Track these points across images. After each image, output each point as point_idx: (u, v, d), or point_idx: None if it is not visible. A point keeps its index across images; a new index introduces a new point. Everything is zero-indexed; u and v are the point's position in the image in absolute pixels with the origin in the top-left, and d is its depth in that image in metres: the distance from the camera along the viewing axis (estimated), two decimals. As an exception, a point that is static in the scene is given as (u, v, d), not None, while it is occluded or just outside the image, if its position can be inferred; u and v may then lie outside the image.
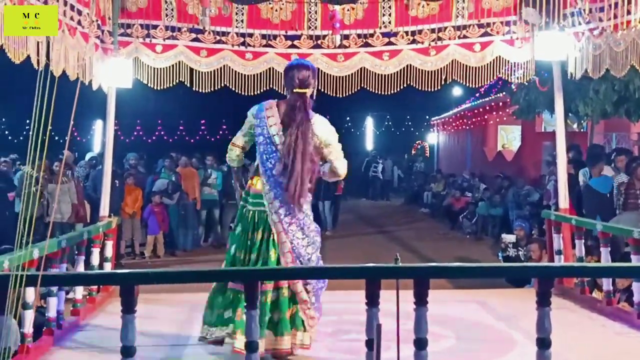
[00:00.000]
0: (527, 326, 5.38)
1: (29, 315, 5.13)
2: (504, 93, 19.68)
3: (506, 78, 8.31)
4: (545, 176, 16.03)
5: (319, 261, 5.29)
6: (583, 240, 7.59)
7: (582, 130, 17.89)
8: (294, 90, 5.19)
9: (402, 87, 7.80)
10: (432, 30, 7.71)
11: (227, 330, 5.11)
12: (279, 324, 5.10)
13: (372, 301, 3.77)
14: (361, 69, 7.73)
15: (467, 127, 28.93)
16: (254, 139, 5.29)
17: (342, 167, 5.38)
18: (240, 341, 4.85)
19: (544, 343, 3.84)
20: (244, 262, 5.15)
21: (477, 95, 25.65)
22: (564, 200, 7.97)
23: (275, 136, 5.12)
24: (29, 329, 5.19)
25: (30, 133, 3.50)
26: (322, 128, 5.22)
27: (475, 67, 7.72)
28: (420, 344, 3.78)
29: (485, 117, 25.66)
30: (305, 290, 5.15)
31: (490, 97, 23.99)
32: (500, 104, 22.38)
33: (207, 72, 7.71)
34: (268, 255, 5.12)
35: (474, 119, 27.09)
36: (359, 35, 7.78)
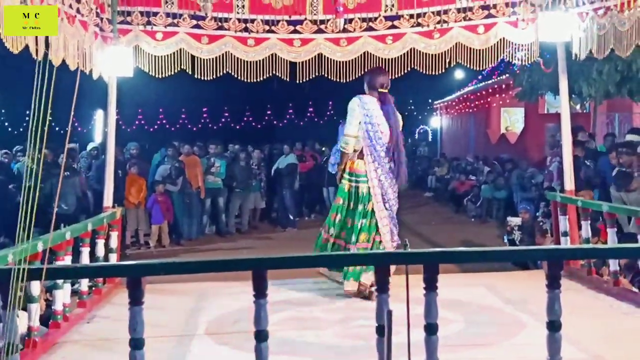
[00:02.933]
0: (535, 308, 5.36)
1: (35, 309, 5.11)
2: (507, 75, 19.61)
3: (510, 60, 8.23)
4: (549, 158, 15.98)
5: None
6: (589, 222, 7.56)
7: (584, 111, 17.81)
8: (379, 90, 6.76)
9: (405, 70, 7.73)
10: (436, 13, 7.64)
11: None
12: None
13: (382, 287, 3.73)
14: (364, 53, 7.66)
15: (471, 110, 28.84)
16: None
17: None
18: (350, 285, 6.55)
19: (554, 325, 3.80)
20: (345, 226, 6.72)
21: (480, 77, 25.56)
22: (569, 182, 7.92)
23: (381, 124, 6.63)
24: (35, 322, 5.17)
25: (30, 124, 3.46)
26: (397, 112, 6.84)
27: (479, 50, 7.65)
28: (431, 329, 3.75)
29: (489, 99, 25.58)
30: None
31: (493, 80, 23.90)
32: (504, 86, 22.30)
33: (209, 59, 7.63)
34: (369, 222, 6.62)
35: (477, 102, 27.01)
36: (362, 19, 7.71)
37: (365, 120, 6.59)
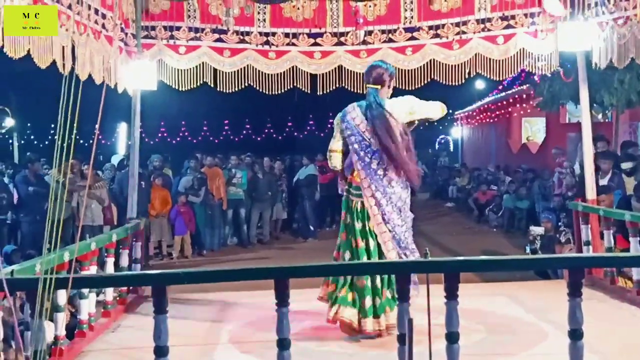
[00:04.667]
0: (557, 318, 5.35)
1: (61, 318, 5.20)
2: (527, 85, 19.55)
3: (530, 70, 8.24)
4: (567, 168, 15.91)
5: (414, 247, 5.87)
6: (611, 231, 7.54)
7: (606, 120, 17.72)
8: (367, 86, 5.97)
9: (425, 82, 7.76)
10: (455, 24, 7.69)
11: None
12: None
13: (403, 296, 3.77)
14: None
15: (491, 120, 28.74)
16: (346, 141, 5.96)
17: (437, 111, 6.10)
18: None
19: (576, 334, 3.81)
20: (350, 247, 5.84)
21: (501, 88, 25.48)
22: (590, 191, 7.90)
23: (365, 132, 5.83)
24: (61, 331, 5.26)
25: (56, 137, 3.54)
26: (395, 104, 5.90)
27: (499, 60, 7.67)
28: (452, 337, 3.77)
29: (509, 109, 25.47)
30: None
31: (513, 90, 23.83)
32: (524, 96, 22.20)
33: (231, 72, 7.75)
34: (369, 244, 5.78)
35: (497, 112, 26.90)
36: (382, 31, 7.77)
37: (347, 134, 5.88)
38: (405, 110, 5.89)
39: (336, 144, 6.04)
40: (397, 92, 8.05)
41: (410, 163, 5.79)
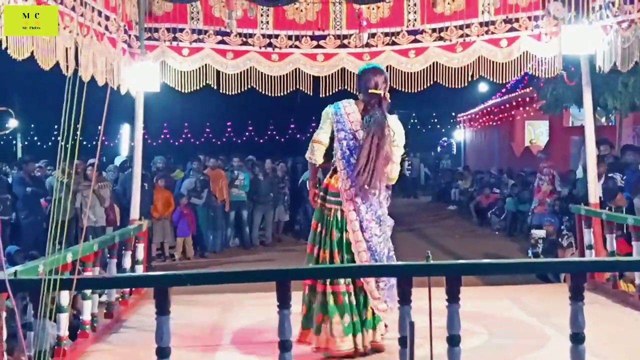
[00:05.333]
0: (560, 322, 5.34)
1: (65, 318, 5.21)
2: (530, 88, 19.54)
3: (533, 73, 8.24)
4: (573, 171, 15.89)
5: (392, 255, 5.48)
6: (614, 235, 7.53)
7: (610, 124, 17.70)
8: (369, 91, 5.45)
9: (428, 84, 7.76)
10: (459, 27, 7.68)
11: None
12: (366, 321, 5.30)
13: (405, 299, 3.77)
14: (387, 67, 7.70)
15: (494, 123, 28.72)
16: (332, 136, 5.44)
17: (396, 173, 5.55)
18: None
19: (577, 338, 3.82)
20: (330, 261, 5.29)
21: (504, 90, 25.48)
22: (594, 195, 7.89)
23: (358, 131, 5.34)
24: (64, 331, 5.27)
25: (59, 139, 3.54)
26: (396, 125, 5.48)
27: (502, 63, 7.66)
28: (453, 340, 3.78)
29: (512, 112, 25.46)
30: (377, 288, 5.27)
31: (516, 93, 23.82)
32: (527, 99, 22.20)
33: (234, 74, 7.74)
34: (344, 255, 5.29)
35: (500, 115, 26.89)
36: (385, 34, 7.77)
37: (338, 127, 5.36)
38: (397, 137, 5.45)
39: (322, 135, 5.49)
40: (400, 95, 8.08)
41: (374, 177, 5.23)
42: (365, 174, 5.19)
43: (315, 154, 5.53)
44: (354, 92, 7.67)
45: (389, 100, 5.59)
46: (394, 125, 5.46)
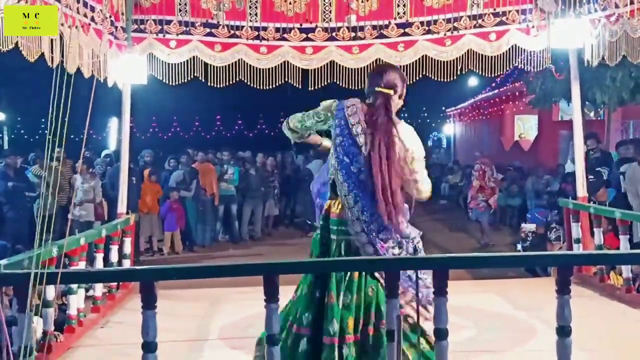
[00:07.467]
0: (547, 315, 5.32)
1: (50, 313, 5.17)
2: (520, 82, 19.57)
3: (522, 67, 8.24)
4: (562, 165, 15.96)
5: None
6: (601, 229, 7.55)
7: (599, 118, 17.76)
8: (377, 89, 4.25)
9: (417, 77, 7.75)
10: (448, 20, 7.67)
11: None
12: None
13: (392, 292, 3.75)
14: (376, 60, 7.69)
15: (484, 117, 28.80)
16: (315, 129, 4.43)
17: (427, 189, 4.36)
18: None
19: (564, 331, 3.80)
20: (314, 305, 4.19)
21: (493, 85, 25.52)
22: (582, 189, 7.91)
23: (359, 136, 4.13)
24: (50, 326, 5.23)
25: (46, 132, 3.51)
26: (409, 134, 4.23)
27: (491, 57, 7.66)
28: (441, 334, 3.75)
29: (502, 106, 25.54)
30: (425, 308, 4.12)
31: (506, 87, 23.87)
32: (517, 93, 22.27)
33: (222, 67, 7.70)
34: (356, 298, 4.10)
35: (490, 109, 26.96)
36: (374, 27, 7.74)
37: (337, 132, 4.18)
38: (411, 148, 4.18)
39: (310, 121, 4.36)
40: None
41: (396, 204, 4.09)
42: (383, 204, 4.04)
43: (293, 121, 4.41)
44: (343, 86, 7.71)
45: (401, 105, 4.38)
46: (407, 133, 4.23)
